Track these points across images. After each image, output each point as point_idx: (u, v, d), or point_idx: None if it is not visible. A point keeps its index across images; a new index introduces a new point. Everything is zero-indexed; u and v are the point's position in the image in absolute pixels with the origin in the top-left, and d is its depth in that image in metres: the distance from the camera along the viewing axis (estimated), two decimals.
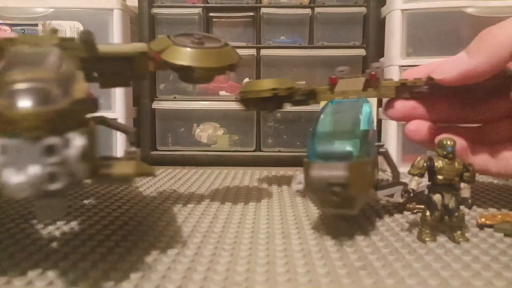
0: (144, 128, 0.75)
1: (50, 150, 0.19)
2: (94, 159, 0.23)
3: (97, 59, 0.31)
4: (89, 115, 0.25)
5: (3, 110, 0.19)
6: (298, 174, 0.50)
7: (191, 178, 0.56)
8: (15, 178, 0.19)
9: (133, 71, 0.34)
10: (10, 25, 0.72)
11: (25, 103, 0.20)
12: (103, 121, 0.29)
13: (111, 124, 0.30)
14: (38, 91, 0.20)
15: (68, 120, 0.21)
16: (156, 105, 0.75)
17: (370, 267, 0.26)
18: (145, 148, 0.75)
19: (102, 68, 0.33)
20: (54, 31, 0.31)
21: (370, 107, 0.34)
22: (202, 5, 0.75)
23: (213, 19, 0.76)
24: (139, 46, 0.34)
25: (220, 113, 0.76)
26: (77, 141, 0.20)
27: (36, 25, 0.72)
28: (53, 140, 0.20)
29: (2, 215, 0.36)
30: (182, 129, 0.78)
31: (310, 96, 0.42)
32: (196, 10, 0.75)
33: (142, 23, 0.75)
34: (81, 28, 0.72)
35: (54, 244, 0.29)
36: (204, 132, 0.77)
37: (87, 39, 0.30)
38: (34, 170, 0.19)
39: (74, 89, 0.23)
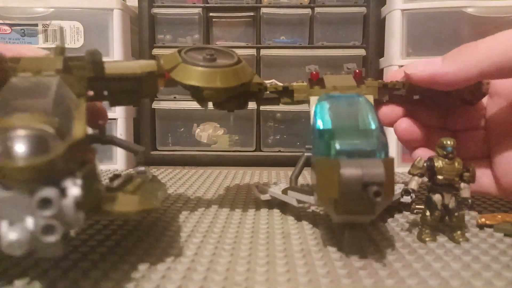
0: (144, 128, 0.75)
1: (46, 202, 0.19)
2: (95, 196, 0.22)
3: (105, 79, 0.31)
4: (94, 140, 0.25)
5: None
6: (260, 184, 0.47)
7: (191, 178, 0.56)
8: (11, 235, 0.19)
9: (142, 90, 0.33)
10: (10, 25, 0.72)
11: (19, 154, 0.19)
12: (112, 141, 0.29)
13: (119, 143, 0.30)
14: (34, 139, 0.20)
15: (67, 165, 0.20)
16: (156, 105, 0.75)
17: (370, 267, 0.26)
18: (145, 148, 0.75)
19: (111, 87, 0.32)
20: (61, 50, 0.31)
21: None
22: (202, 5, 0.75)
23: (213, 19, 0.77)
24: (148, 66, 0.33)
25: (220, 113, 0.76)
26: (73, 190, 0.20)
27: (36, 25, 0.72)
28: (48, 192, 0.19)
29: None
30: (182, 129, 0.78)
31: (284, 94, 0.38)
32: (196, 10, 0.75)
33: (142, 23, 0.75)
34: (81, 28, 0.72)
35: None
36: (204, 132, 0.77)
37: (93, 60, 0.29)
38: (29, 224, 0.19)
39: (73, 128, 0.22)
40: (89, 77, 0.30)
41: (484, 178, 0.36)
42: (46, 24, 0.72)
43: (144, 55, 0.76)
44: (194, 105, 0.79)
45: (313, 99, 0.35)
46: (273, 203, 0.40)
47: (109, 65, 0.31)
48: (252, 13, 0.75)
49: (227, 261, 0.27)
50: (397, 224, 0.35)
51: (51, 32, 0.72)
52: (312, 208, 0.39)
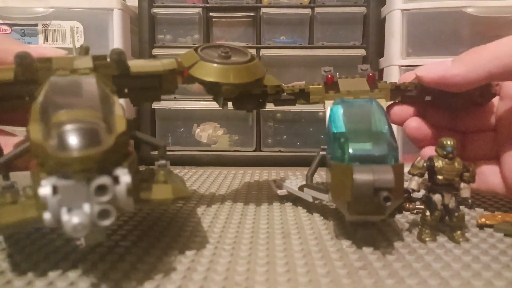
0: (144, 128, 0.75)
1: (101, 189, 0.20)
2: (135, 185, 0.23)
3: (127, 77, 0.32)
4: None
5: (55, 153, 0.20)
6: (277, 179, 0.49)
7: (191, 178, 0.56)
8: (73, 219, 0.20)
9: (162, 87, 0.34)
10: (10, 25, 0.72)
11: (75, 146, 0.20)
12: (135, 136, 0.30)
13: (142, 138, 0.31)
14: (87, 132, 0.21)
15: (114, 156, 0.22)
16: (156, 105, 0.75)
17: (370, 267, 0.26)
18: (145, 148, 0.75)
19: (132, 84, 0.33)
20: (86, 49, 0.32)
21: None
22: (202, 5, 0.75)
23: (213, 19, 0.76)
24: (169, 64, 0.34)
25: (220, 113, 0.76)
26: (126, 178, 0.21)
27: (36, 25, 0.72)
28: (103, 180, 0.20)
29: None
30: (182, 129, 0.78)
31: (300, 95, 0.40)
32: (196, 10, 0.75)
33: (142, 23, 0.75)
34: (81, 28, 0.72)
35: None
36: (204, 132, 0.77)
37: (119, 59, 0.31)
38: (88, 209, 0.20)
39: (116, 122, 0.24)
40: (113, 75, 0.31)
41: (493, 177, 0.37)
42: (46, 24, 0.72)
43: (144, 55, 0.76)
44: (194, 105, 0.79)
45: (328, 102, 0.37)
46: (289, 198, 0.42)
47: (133, 64, 0.32)
48: (252, 13, 0.75)
49: (227, 261, 0.27)
50: (397, 224, 0.35)
51: (51, 32, 0.72)
52: (319, 205, 0.39)
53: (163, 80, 0.34)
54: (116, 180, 0.21)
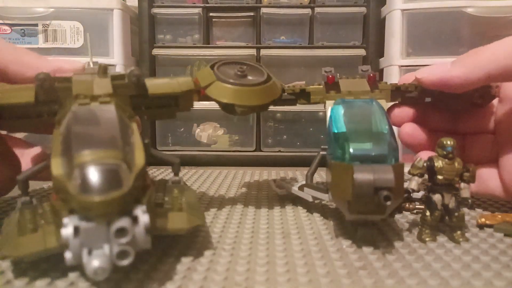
0: (144, 128, 0.75)
1: (121, 231, 0.21)
2: (152, 216, 0.23)
3: (145, 96, 0.33)
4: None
5: (77, 196, 0.21)
6: (277, 179, 0.49)
7: (191, 178, 0.56)
8: (94, 263, 0.21)
9: (179, 105, 0.35)
10: (10, 25, 0.72)
11: (97, 190, 0.21)
12: (149, 153, 0.30)
13: (157, 155, 0.31)
14: (108, 175, 0.21)
15: (134, 193, 0.22)
16: None
17: (370, 267, 0.26)
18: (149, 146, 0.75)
19: (150, 103, 0.34)
20: (104, 69, 0.32)
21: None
22: (202, 5, 0.75)
23: (213, 19, 0.77)
24: (186, 84, 0.34)
25: (220, 113, 0.76)
26: (144, 218, 0.22)
27: (36, 25, 0.72)
28: (123, 222, 0.21)
29: None
30: (182, 129, 0.78)
31: (301, 95, 0.40)
32: (196, 10, 0.75)
33: (142, 23, 0.76)
34: (81, 28, 0.72)
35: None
36: (204, 132, 0.77)
37: (137, 81, 0.31)
38: (106, 250, 0.21)
39: (136, 158, 0.24)
40: (131, 95, 0.32)
41: (492, 180, 0.37)
42: (46, 24, 0.72)
43: (144, 55, 0.76)
44: (194, 105, 0.79)
45: (329, 103, 0.37)
46: (289, 198, 0.42)
47: (151, 84, 0.33)
48: (252, 13, 0.75)
49: (227, 261, 0.27)
50: (397, 224, 0.35)
51: (51, 32, 0.72)
52: (320, 204, 0.39)
53: (179, 99, 0.35)
54: (135, 219, 0.22)
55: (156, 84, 0.33)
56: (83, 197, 0.20)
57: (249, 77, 0.36)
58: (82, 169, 0.22)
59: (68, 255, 0.21)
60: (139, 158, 0.24)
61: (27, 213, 0.25)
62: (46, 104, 0.31)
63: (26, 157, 0.36)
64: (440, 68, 0.35)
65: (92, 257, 0.21)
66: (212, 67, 0.36)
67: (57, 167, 0.23)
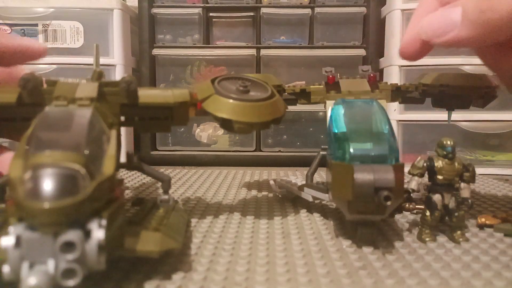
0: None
1: (69, 246, 0.18)
2: (118, 233, 0.22)
3: (137, 106, 0.31)
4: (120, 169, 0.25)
5: (23, 200, 0.18)
6: (277, 180, 0.48)
7: (191, 178, 0.56)
8: (31, 280, 0.18)
9: (173, 118, 0.33)
10: (10, 25, 0.72)
11: (46, 196, 0.18)
12: (139, 167, 0.29)
13: (146, 170, 0.30)
14: (62, 180, 0.19)
15: (93, 204, 0.20)
16: None
17: (370, 267, 0.26)
18: (145, 148, 0.75)
19: (142, 114, 0.32)
20: (99, 74, 0.30)
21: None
22: (202, 5, 0.75)
23: (213, 19, 0.77)
24: (181, 96, 0.32)
25: None
26: (98, 234, 0.19)
27: (36, 25, 0.72)
28: (71, 236, 0.18)
29: None
30: (182, 129, 0.78)
31: (301, 95, 0.40)
32: (196, 10, 0.75)
33: (142, 23, 0.76)
34: (81, 28, 0.72)
35: None
36: (204, 132, 0.77)
37: (128, 89, 0.29)
38: (50, 267, 0.18)
39: (104, 164, 0.22)
40: (122, 104, 0.30)
41: None
42: (46, 24, 0.72)
43: (144, 55, 0.76)
44: None
45: (329, 102, 0.37)
46: (289, 198, 0.42)
47: (143, 93, 0.31)
48: (252, 13, 0.75)
49: (227, 261, 0.27)
50: (397, 224, 0.35)
51: (51, 32, 0.72)
52: (320, 204, 0.39)
53: (174, 111, 0.32)
54: (88, 234, 0.19)
55: (148, 94, 0.31)
56: (29, 202, 0.18)
57: (252, 93, 0.33)
58: (34, 171, 0.19)
59: (5, 268, 0.18)
60: (108, 167, 0.22)
61: None
62: (32, 107, 0.28)
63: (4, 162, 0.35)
64: (448, 29, 0.29)
65: (31, 273, 0.18)
66: (213, 81, 0.34)
67: (14, 169, 0.20)
